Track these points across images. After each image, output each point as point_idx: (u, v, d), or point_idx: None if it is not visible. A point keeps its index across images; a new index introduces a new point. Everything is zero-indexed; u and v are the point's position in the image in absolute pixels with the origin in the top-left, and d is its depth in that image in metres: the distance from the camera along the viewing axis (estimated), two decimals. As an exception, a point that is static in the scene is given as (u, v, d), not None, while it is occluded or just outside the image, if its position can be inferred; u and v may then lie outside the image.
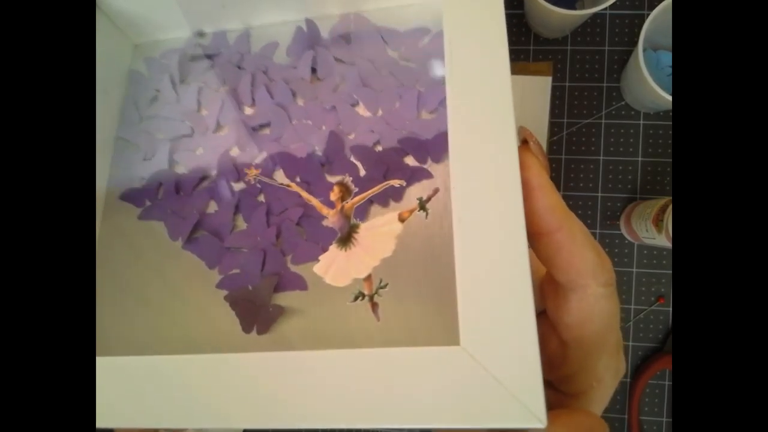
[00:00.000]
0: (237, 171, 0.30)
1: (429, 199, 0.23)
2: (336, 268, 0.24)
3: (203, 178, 0.30)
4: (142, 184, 0.31)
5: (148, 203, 0.31)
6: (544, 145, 0.48)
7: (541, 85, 0.48)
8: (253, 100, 0.31)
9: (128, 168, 0.31)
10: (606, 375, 0.21)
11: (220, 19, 0.32)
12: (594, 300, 0.19)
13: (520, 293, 0.17)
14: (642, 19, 0.48)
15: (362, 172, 0.28)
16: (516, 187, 0.18)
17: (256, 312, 0.27)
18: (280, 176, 0.29)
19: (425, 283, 0.24)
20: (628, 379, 0.48)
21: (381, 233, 0.22)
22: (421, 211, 0.23)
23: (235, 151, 0.31)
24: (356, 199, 0.24)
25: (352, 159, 0.28)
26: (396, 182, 0.24)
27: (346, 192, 0.24)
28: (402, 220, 0.23)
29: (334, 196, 0.24)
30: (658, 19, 0.40)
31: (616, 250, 0.49)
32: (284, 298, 0.27)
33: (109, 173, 0.32)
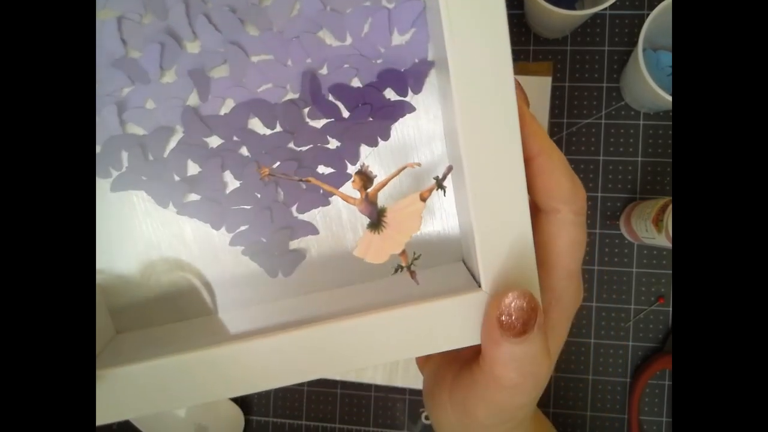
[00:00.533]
0: (206, 125, 0.27)
1: (445, 177, 0.24)
2: (374, 249, 0.25)
3: (170, 137, 0.27)
4: (98, 151, 0.27)
5: (114, 172, 0.27)
6: (544, 145, 0.48)
7: (541, 85, 0.48)
8: (194, 33, 0.26)
9: None
10: (564, 295, 0.22)
11: None
12: (563, 224, 0.22)
13: (522, 230, 0.22)
14: (642, 19, 0.48)
15: (345, 113, 0.27)
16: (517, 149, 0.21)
17: (278, 260, 0.28)
18: (257, 125, 0.27)
19: (439, 248, 0.28)
20: (628, 379, 0.48)
21: (407, 213, 0.24)
22: (440, 190, 0.24)
23: (193, 101, 0.27)
24: (378, 185, 0.24)
25: (331, 99, 0.27)
26: (411, 165, 0.25)
27: (367, 180, 0.24)
28: (423, 199, 0.25)
29: (356, 185, 0.24)
30: (658, 19, 0.40)
31: (616, 250, 0.49)
32: (299, 242, 0.28)
33: None
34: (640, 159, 0.48)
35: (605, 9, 0.41)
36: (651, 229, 0.41)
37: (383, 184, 0.25)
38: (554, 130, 0.49)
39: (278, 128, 0.27)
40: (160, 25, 0.26)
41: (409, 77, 0.27)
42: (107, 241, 0.28)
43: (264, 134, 0.27)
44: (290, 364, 0.23)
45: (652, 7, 0.40)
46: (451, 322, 0.23)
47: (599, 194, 0.49)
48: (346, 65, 0.27)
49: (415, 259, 0.26)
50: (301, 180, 0.27)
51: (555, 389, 0.49)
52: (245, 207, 0.28)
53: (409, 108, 0.27)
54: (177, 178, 0.27)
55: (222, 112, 0.27)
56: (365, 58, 0.27)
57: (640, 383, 0.47)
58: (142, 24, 0.27)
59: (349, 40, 0.27)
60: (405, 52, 0.27)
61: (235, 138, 0.27)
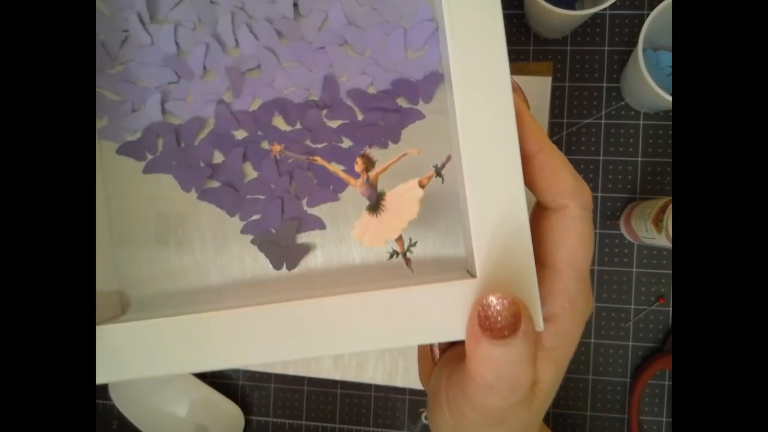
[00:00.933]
0: (236, 119, 0.30)
1: (443, 165, 0.26)
2: (371, 232, 0.27)
3: (202, 127, 0.31)
4: (137, 136, 0.31)
5: (149, 156, 0.31)
6: (544, 145, 0.48)
7: (541, 86, 0.48)
8: (236, 41, 0.30)
9: (117, 120, 0.31)
10: (578, 298, 0.22)
11: None
12: (572, 220, 0.22)
13: (519, 222, 0.23)
14: (642, 19, 0.48)
15: (359, 116, 0.30)
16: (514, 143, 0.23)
17: (284, 252, 0.30)
18: (279, 123, 0.30)
19: (437, 233, 0.29)
20: (628, 379, 0.48)
21: (406, 198, 0.25)
22: (438, 177, 0.26)
23: (228, 97, 0.31)
24: (379, 169, 0.26)
25: (349, 102, 0.30)
26: (411, 152, 0.26)
27: (369, 163, 0.26)
28: (422, 186, 0.26)
29: (358, 167, 0.26)
30: (658, 19, 0.40)
31: (616, 250, 0.49)
32: (306, 237, 0.30)
33: (97, 127, 0.31)
34: (640, 159, 0.48)
35: (605, 9, 0.41)
36: (651, 229, 0.41)
37: (384, 168, 0.26)
38: (554, 130, 0.49)
39: (298, 126, 0.30)
40: (208, 32, 0.31)
41: (420, 87, 0.29)
42: (129, 222, 0.30)
43: (285, 130, 0.30)
44: (264, 339, 0.24)
45: (652, 7, 0.40)
46: (441, 311, 0.23)
47: (599, 194, 0.49)
48: (363, 74, 0.30)
49: (412, 245, 0.27)
50: (308, 158, 0.29)
51: (555, 389, 0.49)
52: (260, 197, 0.30)
53: (419, 115, 0.29)
54: (202, 164, 0.30)
55: (251, 109, 0.30)
56: (381, 68, 0.30)
57: (640, 383, 0.47)
58: (195, 31, 0.31)
59: (368, 53, 0.30)
60: (418, 65, 0.29)
61: (259, 132, 0.30)
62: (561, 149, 0.49)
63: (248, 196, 0.30)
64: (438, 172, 0.26)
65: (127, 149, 0.31)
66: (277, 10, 0.30)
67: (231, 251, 0.30)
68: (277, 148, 0.29)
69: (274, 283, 0.30)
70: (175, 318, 0.25)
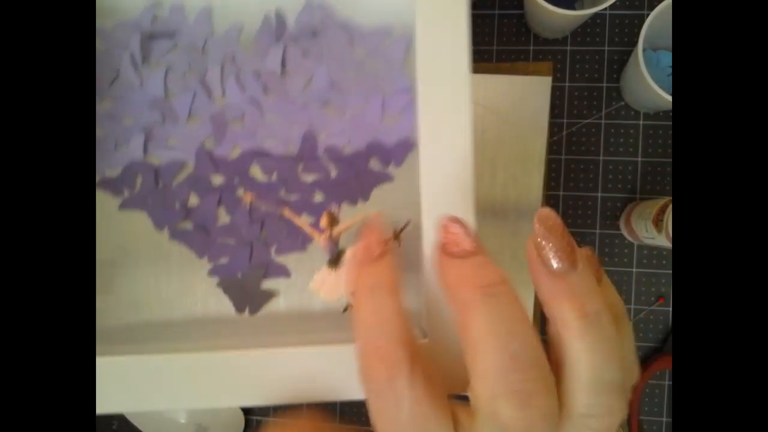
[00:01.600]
0: (214, 165, 0.31)
1: (403, 229, 0.28)
2: (328, 286, 0.28)
3: (181, 170, 0.31)
4: (117, 173, 0.31)
5: (126, 193, 0.31)
6: (544, 146, 0.48)
7: (541, 86, 0.48)
8: (223, 90, 0.31)
9: (100, 155, 0.31)
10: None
11: None
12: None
13: None
14: (642, 19, 0.48)
15: (333, 173, 0.31)
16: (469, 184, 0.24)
17: (248, 296, 0.31)
18: (257, 172, 0.31)
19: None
20: (628, 379, 0.48)
21: None
22: (397, 240, 0.28)
23: (209, 143, 0.31)
24: (342, 227, 0.27)
25: (324, 159, 0.31)
26: (373, 214, 0.28)
27: (333, 220, 0.27)
28: None
29: (323, 223, 0.27)
30: (658, 19, 0.40)
31: (616, 250, 0.49)
32: (271, 283, 0.31)
33: None
34: (640, 159, 0.48)
35: (605, 9, 0.41)
36: (651, 229, 0.41)
37: (347, 227, 0.27)
38: (554, 130, 0.49)
39: (274, 177, 0.31)
40: (197, 79, 0.31)
41: (392, 152, 0.31)
42: (103, 254, 0.31)
43: (261, 180, 0.31)
44: (202, 385, 0.24)
45: (652, 7, 0.40)
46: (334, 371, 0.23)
47: (599, 194, 0.49)
48: (341, 134, 0.31)
49: None
50: (277, 209, 0.30)
51: (555, 389, 0.49)
52: (230, 242, 0.31)
53: (388, 177, 0.31)
54: (178, 206, 0.31)
55: (230, 157, 0.31)
56: (358, 130, 0.31)
57: (640, 383, 0.47)
58: (184, 77, 0.31)
59: (347, 115, 0.31)
60: (392, 131, 0.31)
61: (236, 180, 0.31)
62: (561, 149, 0.49)
63: (219, 240, 0.31)
64: (396, 236, 0.27)
65: (105, 184, 0.31)
66: (266, 65, 0.31)
67: (196, 291, 0.31)
68: (249, 196, 0.30)
69: (234, 324, 0.30)
70: (128, 357, 0.24)
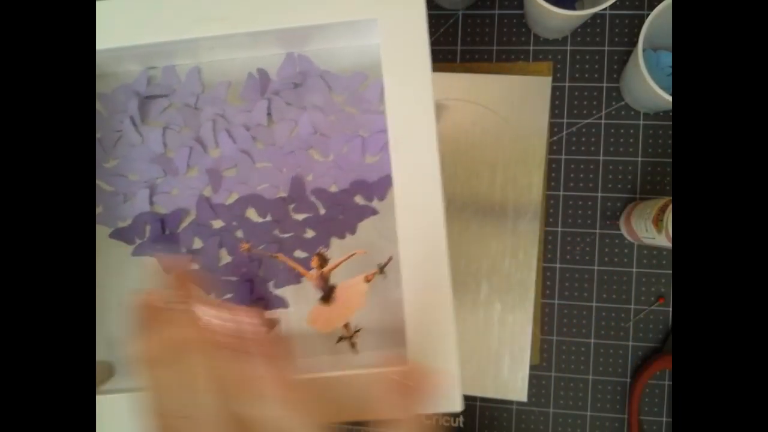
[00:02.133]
0: (214, 211, 0.35)
1: (386, 264, 0.31)
2: (323, 319, 0.31)
3: (185, 217, 0.35)
4: (127, 223, 0.35)
5: (137, 241, 0.35)
6: (544, 146, 0.48)
7: (541, 86, 0.48)
8: (216, 143, 0.35)
9: (111, 209, 0.35)
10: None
11: (169, 55, 0.34)
12: None
13: (445, 315, 0.28)
14: (642, 19, 0.48)
15: (322, 211, 0.34)
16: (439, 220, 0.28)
17: None
18: (252, 214, 0.35)
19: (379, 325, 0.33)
20: (628, 379, 0.48)
21: (354, 292, 0.29)
22: (382, 274, 0.31)
23: (208, 192, 0.35)
24: (331, 266, 0.30)
25: (313, 199, 0.34)
26: (359, 252, 0.31)
27: (323, 260, 0.30)
28: (368, 280, 0.30)
29: (314, 264, 0.30)
30: (658, 19, 0.40)
31: (616, 250, 0.49)
32: (271, 314, 0.34)
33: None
34: (640, 159, 0.48)
35: (605, 9, 0.41)
36: (651, 229, 0.41)
37: (336, 266, 0.30)
38: (554, 130, 0.49)
39: (269, 218, 0.35)
40: (192, 135, 0.35)
41: (375, 187, 0.34)
42: (121, 296, 0.35)
43: (257, 221, 0.35)
44: None
45: (652, 7, 0.40)
46: None
47: (599, 194, 0.49)
48: (326, 175, 0.34)
49: (356, 331, 0.31)
50: (271, 255, 0.34)
51: (555, 389, 0.49)
52: (232, 278, 0.34)
53: (373, 211, 0.34)
54: (184, 250, 0.34)
55: (227, 203, 0.35)
56: (342, 170, 0.34)
57: (640, 383, 0.47)
58: (180, 133, 0.35)
59: (331, 157, 0.35)
60: (373, 169, 0.34)
61: (234, 223, 0.35)
62: (561, 149, 0.49)
63: (222, 278, 0.34)
64: (381, 269, 0.30)
65: (118, 234, 0.35)
66: (253, 118, 0.34)
67: None
68: (245, 246, 0.33)
69: None
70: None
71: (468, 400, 0.49)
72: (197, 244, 0.35)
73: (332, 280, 0.31)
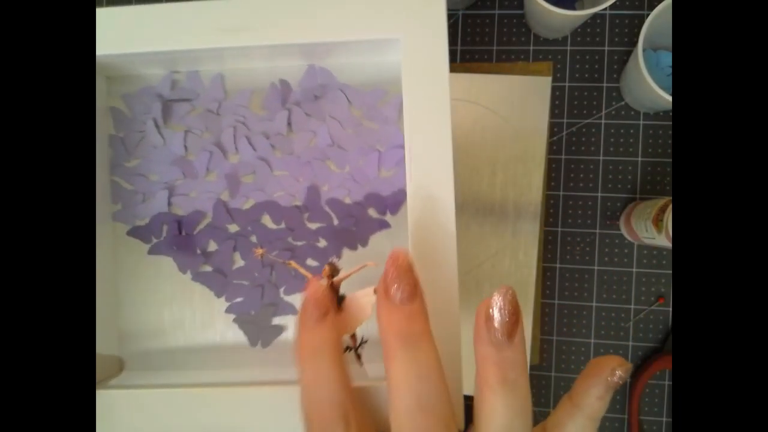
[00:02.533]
0: (230, 215, 0.35)
1: (359, 346, 0.31)
2: None
3: (201, 220, 0.36)
4: (145, 222, 0.36)
5: (154, 240, 0.35)
6: (544, 145, 0.48)
7: (541, 86, 0.48)
8: (236, 148, 0.35)
9: (130, 207, 0.36)
10: None
11: (194, 61, 0.34)
12: None
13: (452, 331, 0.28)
14: (642, 19, 0.48)
15: (335, 221, 0.35)
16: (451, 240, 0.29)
17: (260, 331, 0.35)
18: (267, 221, 0.35)
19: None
20: (628, 379, 0.48)
21: (362, 303, 0.29)
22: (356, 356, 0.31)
23: (225, 196, 0.35)
24: (342, 276, 0.30)
25: (327, 209, 0.35)
26: (370, 264, 0.31)
27: (334, 270, 0.30)
28: (376, 292, 0.29)
29: (324, 273, 0.30)
30: (658, 19, 0.40)
31: (616, 250, 0.49)
32: (281, 319, 0.35)
33: (111, 211, 0.36)
34: (640, 159, 0.48)
35: (605, 9, 0.41)
36: (651, 229, 0.41)
37: (346, 276, 0.30)
38: (554, 130, 0.49)
39: (282, 225, 0.35)
40: (212, 140, 0.35)
41: (388, 202, 0.35)
42: (135, 293, 0.36)
43: (271, 228, 0.35)
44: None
45: (652, 7, 0.40)
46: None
47: (599, 194, 0.49)
48: (342, 186, 0.35)
49: (363, 343, 0.31)
50: (284, 262, 0.34)
51: (555, 389, 0.49)
52: (244, 282, 0.35)
53: (385, 225, 0.34)
54: (198, 252, 0.35)
55: (244, 208, 0.35)
56: (357, 183, 0.35)
57: (640, 383, 0.47)
58: (202, 137, 0.35)
59: (347, 169, 0.35)
60: (388, 183, 0.35)
61: (249, 228, 0.35)
62: (561, 149, 0.49)
63: (234, 281, 0.35)
64: (355, 351, 0.30)
65: (136, 232, 0.36)
66: (273, 126, 0.35)
67: (215, 326, 0.35)
68: (260, 251, 0.32)
69: (248, 354, 0.34)
70: (158, 390, 0.30)
71: (468, 400, 0.49)
72: (212, 246, 0.35)
73: (342, 291, 0.31)
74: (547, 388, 0.49)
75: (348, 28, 0.30)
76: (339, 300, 0.29)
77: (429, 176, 0.29)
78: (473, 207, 0.48)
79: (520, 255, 0.48)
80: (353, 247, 0.35)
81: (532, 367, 0.48)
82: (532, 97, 0.48)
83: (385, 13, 0.30)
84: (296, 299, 0.35)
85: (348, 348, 0.30)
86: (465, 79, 0.49)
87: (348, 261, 0.35)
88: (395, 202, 0.35)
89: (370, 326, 0.31)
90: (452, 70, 0.49)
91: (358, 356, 0.30)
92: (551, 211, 0.49)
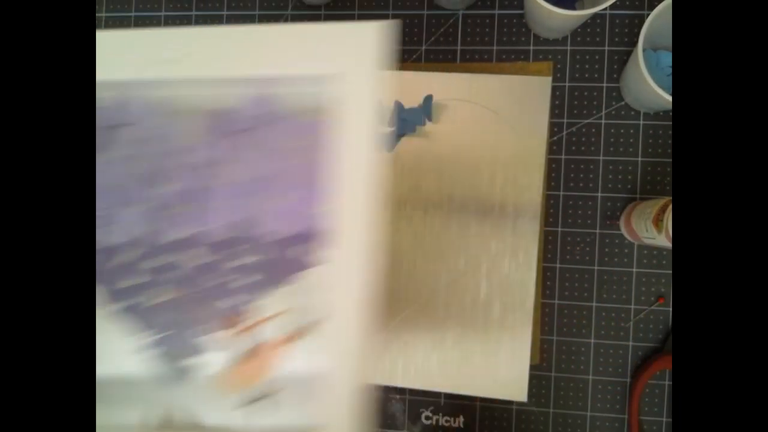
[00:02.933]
0: (162, 246, 0.35)
1: (317, 322, 0.32)
2: (240, 375, 0.31)
3: (133, 247, 0.36)
4: None
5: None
6: (544, 145, 0.48)
7: (541, 85, 0.48)
8: (171, 180, 0.35)
9: None
10: None
11: (135, 87, 0.34)
12: None
13: None
14: (642, 19, 0.48)
15: (270, 255, 0.35)
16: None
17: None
18: (201, 253, 0.35)
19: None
20: (628, 379, 0.48)
21: (274, 352, 0.31)
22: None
23: (159, 225, 0.35)
24: (258, 320, 0.31)
25: (261, 243, 0.35)
26: (290, 310, 0.32)
27: (251, 315, 0.31)
28: (289, 340, 0.31)
29: (240, 318, 0.32)
30: (658, 19, 0.40)
31: (616, 250, 0.49)
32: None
33: None
34: (640, 159, 0.48)
35: (605, 9, 0.41)
36: (651, 229, 0.41)
37: (262, 322, 0.30)
38: (554, 130, 0.49)
39: (217, 257, 0.35)
40: (150, 167, 0.35)
41: (322, 237, 0.34)
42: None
43: (206, 261, 0.35)
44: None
45: (652, 7, 0.40)
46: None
47: (599, 194, 0.49)
48: (278, 220, 0.35)
49: (274, 392, 0.30)
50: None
51: (555, 389, 0.49)
52: (168, 315, 0.34)
53: (319, 261, 0.34)
54: (127, 284, 0.35)
55: (177, 238, 0.35)
56: (293, 217, 0.35)
57: (640, 383, 0.47)
58: (138, 164, 0.35)
59: (284, 202, 0.35)
60: (323, 218, 0.34)
61: (181, 258, 0.35)
62: (561, 149, 0.49)
63: (157, 316, 0.35)
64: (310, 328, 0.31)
65: None
66: (211, 157, 0.35)
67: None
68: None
69: None
70: None
71: (468, 400, 0.49)
72: (144, 277, 0.35)
73: (258, 336, 0.31)
74: (547, 388, 0.49)
75: (293, 64, 0.31)
76: (251, 347, 0.30)
77: (354, 212, 0.30)
78: (473, 207, 0.48)
79: (520, 255, 0.48)
80: (285, 283, 0.35)
81: (532, 367, 0.48)
82: (532, 97, 0.48)
83: (324, 50, 0.31)
84: (210, 340, 0.35)
85: (256, 399, 0.30)
86: (465, 79, 0.49)
87: (279, 298, 0.35)
88: (330, 238, 0.35)
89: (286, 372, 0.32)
90: (452, 70, 0.49)
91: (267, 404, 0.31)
92: (551, 211, 0.49)
